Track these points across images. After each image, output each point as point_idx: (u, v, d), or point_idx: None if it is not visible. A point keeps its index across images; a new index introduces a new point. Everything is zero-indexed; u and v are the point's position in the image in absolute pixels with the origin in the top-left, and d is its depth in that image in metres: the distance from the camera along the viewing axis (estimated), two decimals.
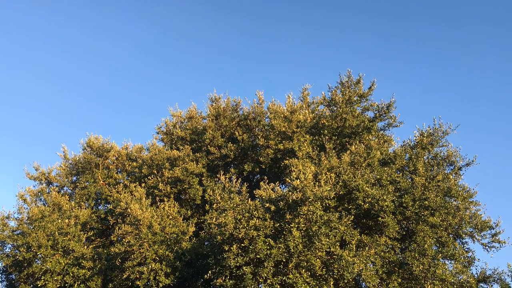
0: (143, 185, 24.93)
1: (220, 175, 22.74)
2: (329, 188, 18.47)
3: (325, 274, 18.05)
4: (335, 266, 17.97)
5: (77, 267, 22.29)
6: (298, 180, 18.54)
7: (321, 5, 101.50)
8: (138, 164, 26.97)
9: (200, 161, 25.89)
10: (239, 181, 22.25)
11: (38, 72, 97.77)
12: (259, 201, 19.44)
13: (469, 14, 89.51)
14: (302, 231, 18.16)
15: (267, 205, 18.67)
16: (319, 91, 35.90)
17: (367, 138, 23.49)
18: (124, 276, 20.28)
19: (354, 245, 18.43)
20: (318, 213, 18.09)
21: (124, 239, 21.19)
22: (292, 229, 17.89)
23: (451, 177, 21.82)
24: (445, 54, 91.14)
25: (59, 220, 23.39)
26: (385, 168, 21.29)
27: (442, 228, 20.76)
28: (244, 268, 17.82)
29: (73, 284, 22.11)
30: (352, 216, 19.29)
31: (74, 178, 28.49)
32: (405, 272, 19.98)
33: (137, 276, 20.05)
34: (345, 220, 18.65)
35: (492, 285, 21.16)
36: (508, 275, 20.66)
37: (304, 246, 17.96)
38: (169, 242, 21.18)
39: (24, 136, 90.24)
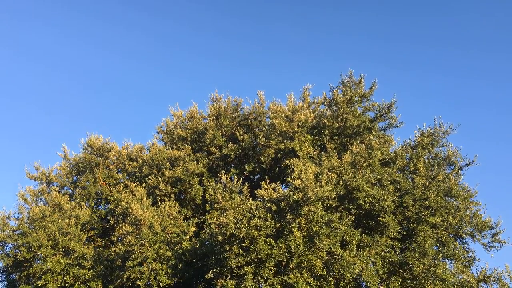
0: (143, 185, 24.93)
1: (222, 174, 22.76)
2: (330, 188, 18.49)
3: (326, 274, 18.07)
4: (336, 266, 17.98)
5: (77, 267, 22.30)
6: (299, 180, 18.55)
7: (321, 6, 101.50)
8: (138, 164, 26.97)
9: (200, 161, 25.89)
10: (240, 181, 22.26)
11: (39, 72, 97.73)
12: (260, 201, 19.45)
13: (470, 14, 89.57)
14: (303, 231, 18.18)
15: (268, 205, 18.67)
16: (320, 92, 35.83)
17: (368, 138, 23.49)
18: (125, 276, 20.29)
19: (355, 245, 18.43)
20: (319, 213, 18.11)
21: (124, 239, 21.21)
22: (293, 229, 17.90)
23: (451, 177, 21.84)
24: (446, 54, 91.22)
25: (60, 220, 23.39)
26: (386, 168, 21.30)
27: (442, 228, 20.79)
28: (245, 268, 17.83)
29: (73, 284, 22.11)
30: (353, 216, 19.30)
31: (75, 178, 28.48)
32: (406, 272, 20.00)
33: (138, 276, 20.07)
34: (346, 220, 18.66)
35: (492, 285, 21.16)
36: (508, 275, 20.65)
37: (305, 246, 17.98)
38: (169, 242, 21.20)
39: (24, 136, 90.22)
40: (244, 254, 17.91)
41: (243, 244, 17.96)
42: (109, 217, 26.07)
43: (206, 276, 19.05)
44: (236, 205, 19.44)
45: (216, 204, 20.91)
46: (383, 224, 19.90)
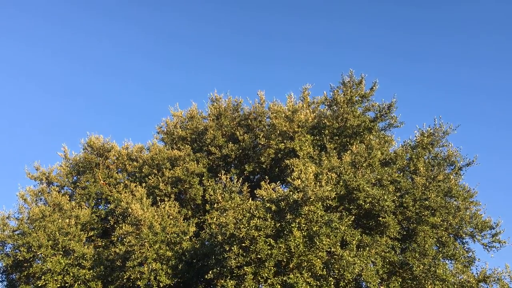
0: (143, 185, 24.93)
1: (222, 174, 22.76)
2: (330, 188, 18.49)
3: (326, 274, 18.07)
4: (336, 266, 17.98)
5: (77, 267, 22.30)
6: (299, 180, 18.55)
7: (321, 4, 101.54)
8: (138, 164, 26.96)
9: (200, 161, 25.89)
10: (240, 181, 22.26)
11: (39, 72, 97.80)
12: (260, 201, 19.45)
13: (471, 13, 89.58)
14: (303, 231, 18.18)
15: (268, 205, 18.67)
16: (320, 91, 35.87)
17: (368, 138, 23.50)
18: (125, 276, 20.29)
19: (355, 245, 18.44)
20: (319, 213, 18.11)
21: (124, 239, 21.21)
22: (293, 229, 17.90)
23: (451, 177, 21.85)
24: (446, 53, 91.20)
25: (60, 220, 23.40)
26: (386, 168, 21.30)
27: (442, 228, 20.81)
28: (245, 268, 17.83)
29: (73, 284, 22.11)
30: (353, 216, 19.30)
31: (75, 178, 28.48)
32: (406, 272, 20.01)
33: (138, 276, 20.07)
34: (346, 220, 18.66)
35: (492, 285, 21.16)
36: (508, 275, 20.67)
37: (305, 246, 17.98)
38: (169, 242, 21.20)
39: (25, 136, 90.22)
40: (244, 254, 17.91)
41: (243, 244, 17.95)
42: (109, 217, 26.06)
43: (206, 276, 19.05)
44: (236, 205, 19.43)
45: (216, 204, 20.91)
46: (383, 224, 19.91)
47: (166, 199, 23.75)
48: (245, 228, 17.96)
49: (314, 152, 22.73)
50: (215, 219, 19.61)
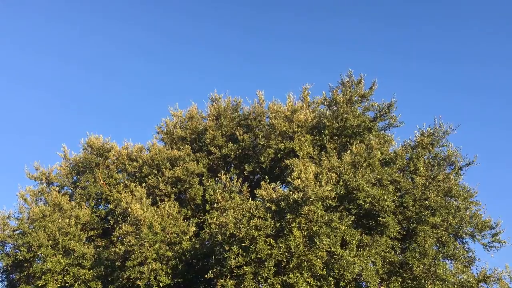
0: (143, 185, 24.94)
1: (222, 174, 22.76)
2: (330, 188, 18.51)
3: (326, 274, 18.09)
4: (336, 266, 18.01)
5: (77, 267, 22.34)
6: (299, 180, 18.56)
7: (320, 4, 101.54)
8: (138, 164, 26.95)
9: (200, 161, 25.89)
10: (239, 181, 22.27)
11: (39, 72, 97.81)
12: (260, 200, 19.48)
13: (471, 12, 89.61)
14: (303, 231, 18.19)
15: (268, 204, 18.70)
16: (319, 91, 35.83)
17: (368, 138, 23.49)
18: (125, 276, 20.32)
19: (355, 245, 18.46)
20: (319, 213, 18.12)
21: (124, 239, 21.23)
22: (293, 229, 17.92)
23: (451, 177, 21.84)
24: (446, 52, 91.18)
25: (60, 220, 23.43)
26: (386, 168, 21.31)
27: (442, 228, 20.80)
28: (244, 268, 17.86)
29: (73, 284, 22.15)
30: (353, 216, 19.32)
31: (75, 178, 28.48)
32: (406, 272, 20.02)
33: (138, 276, 20.10)
34: (346, 220, 18.68)
35: (492, 285, 21.17)
36: (508, 275, 20.69)
37: (305, 246, 18.00)
38: (169, 242, 21.22)
39: (24, 136, 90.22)
40: (244, 254, 17.93)
41: (243, 244, 17.98)
42: (109, 217, 26.08)
43: (206, 276, 19.07)
44: (236, 205, 19.45)
45: (216, 204, 20.93)
46: (383, 224, 19.92)
47: (166, 199, 23.76)
48: (245, 228, 17.98)
49: (314, 152, 22.74)
50: (215, 219, 19.62)
